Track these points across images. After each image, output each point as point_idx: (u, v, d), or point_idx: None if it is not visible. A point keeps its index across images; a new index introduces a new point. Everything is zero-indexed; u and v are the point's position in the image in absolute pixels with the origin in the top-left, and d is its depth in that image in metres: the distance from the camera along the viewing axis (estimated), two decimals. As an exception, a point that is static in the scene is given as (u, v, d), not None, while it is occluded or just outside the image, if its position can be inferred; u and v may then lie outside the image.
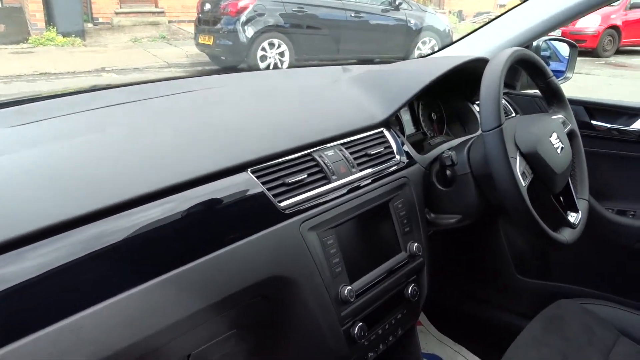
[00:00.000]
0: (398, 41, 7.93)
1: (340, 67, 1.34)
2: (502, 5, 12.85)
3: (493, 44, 1.38)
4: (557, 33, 1.51)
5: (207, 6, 7.38)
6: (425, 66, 1.23)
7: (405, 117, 1.23)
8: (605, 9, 9.83)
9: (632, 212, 1.37)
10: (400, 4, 7.87)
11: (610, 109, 1.38)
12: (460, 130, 1.33)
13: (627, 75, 8.35)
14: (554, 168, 0.96)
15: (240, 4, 6.89)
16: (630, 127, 1.34)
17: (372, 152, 0.98)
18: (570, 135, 1.09)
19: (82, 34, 8.74)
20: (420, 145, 1.21)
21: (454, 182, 1.02)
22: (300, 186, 0.83)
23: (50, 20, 8.52)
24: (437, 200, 1.06)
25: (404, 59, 1.43)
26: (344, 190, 0.89)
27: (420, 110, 1.27)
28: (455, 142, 1.18)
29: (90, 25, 9.56)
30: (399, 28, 7.94)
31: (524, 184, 0.90)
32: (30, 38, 8.38)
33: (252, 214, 0.76)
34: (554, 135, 1.00)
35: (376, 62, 1.46)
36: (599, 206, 1.35)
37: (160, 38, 9.48)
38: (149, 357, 0.65)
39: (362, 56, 7.48)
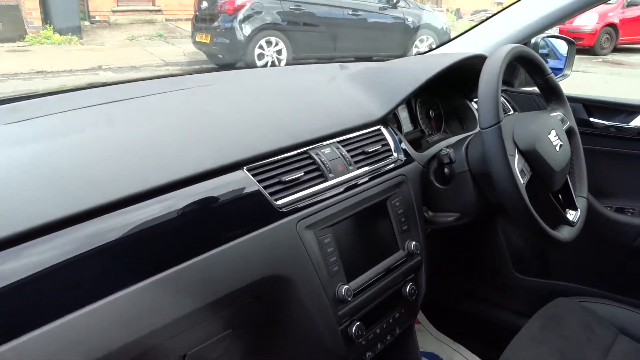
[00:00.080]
0: (396, 39, 7.92)
1: (337, 64, 1.33)
2: (499, 3, 12.84)
3: (491, 42, 1.37)
4: (554, 31, 1.51)
5: (205, 4, 7.36)
6: (423, 63, 1.22)
7: (403, 114, 1.22)
8: (603, 7, 9.85)
9: (630, 210, 1.36)
10: (397, 1, 7.87)
11: (609, 107, 1.37)
12: (459, 127, 1.33)
13: (624, 73, 8.36)
14: (553, 166, 0.96)
15: (238, 2, 6.88)
16: (629, 124, 1.33)
17: (370, 150, 0.97)
18: (569, 132, 1.09)
19: (79, 32, 8.71)
20: (418, 142, 1.20)
21: (452, 180, 1.02)
22: (297, 184, 0.83)
23: (46, 18, 8.49)
24: (435, 199, 1.05)
25: (401, 56, 1.42)
26: (341, 189, 0.89)
27: (418, 108, 1.26)
28: (453, 139, 1.17)
29: (87, 23, 9.53)
30: (397, 26, 7.93)
31: (522, 182, 0.89)
32: (26, 36, 8.35)
33: (248, 212, 0.75)
34: (553, 132, 0.99)
35: (374, 60, 1.45)
36: (597, 204, 1.35)
37: (158, 36, 9.45)
38: (144, 357, 0.65)
39: (359, 54, 7.48)
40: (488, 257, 1.50)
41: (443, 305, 1.62)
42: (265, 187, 0.78)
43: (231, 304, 0.74)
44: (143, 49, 8.44)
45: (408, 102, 1.25)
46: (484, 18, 1.49)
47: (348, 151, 0.94)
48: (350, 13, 7.54)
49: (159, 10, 10.30)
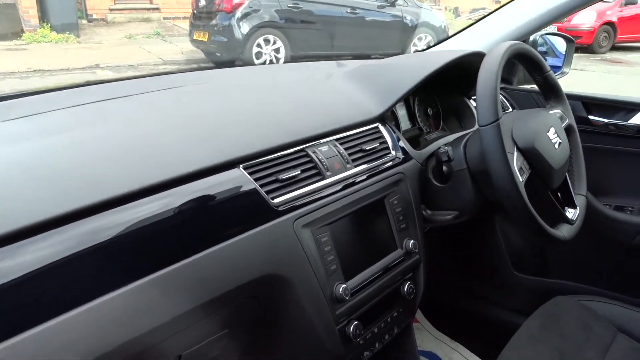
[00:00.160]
0: (394, 37, 7.92)
1: (334, 62, 1.32)
2: (497, 1, 12.85)
3: (489, 39, 1.37)
4: (553, 29, 1.50)
5: (202, 2, 7.34)
6: (421, 60, 1.21)
7: (401, 112, 1.22)
8: (601, 5, 9.86)
9: (630, 208, 1.36)
10: (395, 0, 7.86)
11: (608, 104, 1.37)
12: (457, 125, 1.32)
13: (622, 71, 8.37)
14: (552, 163, 0.95)
15: (236, 0, 6.86)
16: (628, 122, 1.33)
17: (367, 148, 0.96)
18: (568, 130, 1.08)
19: (76, 30, 8.69)
20: (416, 140, 1.20)
21: (451, 178, 1.01)
22: (294, 182, 0.82)
23: (43, 16, 8.46)
24: (433, 197, 1.04)
25: (399, 54, 1.42)
26: (339, 187, 0.88)
27: (416, 106, 1.26)
28: (451, 137, 1.17)
29: (84, 21, 9.51)
30: (395, 24, 7.92)
31: (521, 180, 0.89)
32: (23, 35, 8.33)
33: (244, 211, 0.74)
34: (552, 130, 0.98)
35: (372, 58, 1.44)
36: (596, 202, 1.34)
37: (155, 34, 9.43)
38: (140, 357, 0.64)
39: (357, 52, 7.47)
40: (487, 256, 1.50)
41: (442, 304, 1.62)
42: (261, 186, 0.77)
43: (228, 303, 0.73)
44: (141, 47, 8.42)
45: (406, 99, 1.24)
46: (482, 16, 1.49)
47: (346, 149, 0.93)
48: (348, 11, 7.53)
49: (157, 9, 10.28)
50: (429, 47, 1.61)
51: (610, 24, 10.01)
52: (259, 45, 6.95)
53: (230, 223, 0.72)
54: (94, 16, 9.77)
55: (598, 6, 9.78)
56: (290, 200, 0.80)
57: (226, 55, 7.11)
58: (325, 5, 7.39)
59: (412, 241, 0.98)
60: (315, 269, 0.81)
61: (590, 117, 1.38)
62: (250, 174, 0.77)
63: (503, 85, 1.43)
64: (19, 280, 0.53)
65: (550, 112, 1.06)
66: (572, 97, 1.33)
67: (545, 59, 1.45)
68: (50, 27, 8.41)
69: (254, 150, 0.79)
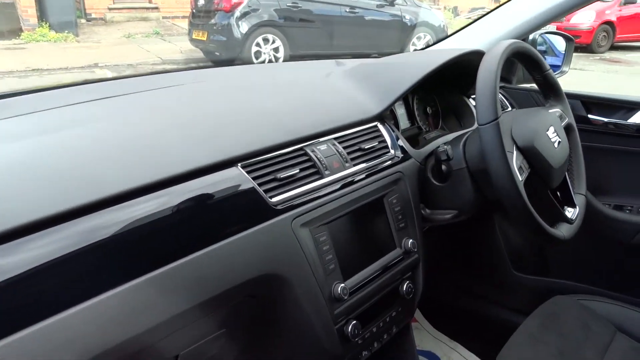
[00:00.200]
0: (393, 37, 7.92)
1: (333, 60, 1.32)
2: (497, 0, 12.85)
3: (488, 37, 1.36)
4: (552, 28, 1.50)
5: (201, 1, 7.34)
6: (420, 59, 1.21)
7: (400, 111, 1.21)
8: (600, 5, 9.86)
9: (629, 207, 1.36)
10: (395, -1, 7.87)
11: (607, 103, 1.37)
12: (456, 124, 1.32)
13: (621, 70, 8.37)
14: (551, 162, 0.95)
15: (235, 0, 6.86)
16: (628, 121, 1.33)
17: (366, 147, 0.96)
18: (568, 129, 1.08)
19: (75, 29, 8.67)
20: (415, 139, 1.19)
21: (450, 177, 1.01)
22: (292, 181, 0.81)
23: (42, 15, 8.44)
24: (432, 196, 1.04)
25: (398, 54, 1.41)
26: (337, 186, 0.87)
27: (415, 104, 1.25)
28: (450, 136, 1.16)
29: (83, 20, 9.49)
30: (394, 24, 7.92)
31: (520, 179, 0.88)
32: (22, 34, 8.31)
33: (242, 210, 0.74)
34: (551, 129, 0.98)
35: (371, 58, 1.44)
36: (595, 201, 1.34)
37: (154, 34, 9.41)
38: (136, 357, 0.64)
39: (357, 52, 7.46)
40: (486, 255, 1.50)
41: (441, 303, 1.62)
42: (259, 184, 0.76)
43: (226, 303, 0.73)
44: (140, 47, 8.41)
45: (405, 98, 1.24)
46: (481, 15, 1.48)
47: (344, 148, 0.93)
48: (347, 10, 7.53)
49: (156, 8, 10.26)
50: (428, 46, 1.61)
51: (609, 23, 10.01)
52: (258, 45, 6.95)
53: (228, 222, 0.72)
54: (93, 15, 9.75)
55: (597, 5, 9.78)
56: (288, 199, 0.79)
57: (225, 55, 7.11)
58: (324, 5, 7.39)
59: (411, 240, 0.98)
60: (314, 268, 0.80)
61: (590, 116, 1.38)
62: (248, 172, 0.76)
63: (502, 84, 1.43)
64: (15, 278, 0.53)
65: (550, 111, 1.05)
66: (572, 96, 1.33)
67: (545, 58, 1.45)
68: (49, 26, 8.39)
69: (252, 149, 0.79)
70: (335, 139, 0.93)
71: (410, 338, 1.16)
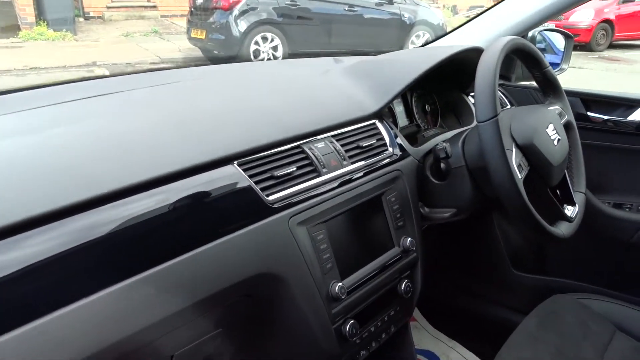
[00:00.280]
0: (392, 35, 7.91)
1: (331, 58, 1.31)
2: (495, -1, 12.83)
3: (487, 35, 1.35)
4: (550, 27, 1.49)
5: (200, 0, 7.32)
6: (419, 56, 1.20)
7: (399, 108, 1.21)
8: (599, 3, 9.86)
9: (628, 205, 1.35)
10: (393, -3, 7.86)
11: (607, 101, 1.36)
12: (455, 122, 1.31)
13: (620, 69, 8.37)
14: (551, 160, 0.94)
15: (233, -2, 6.85)
16: (627, 118, 1.32)
17: (364, 145, 0.95)
18: (567, 126, 1.07)
19: (73, 28, 8.65)
20: (413, 137, 1.19)
21: (449, 175, 1.00)
22: (289, 179, 0.81)
23: (40, 14, 8.42)
24: (431, 194, 1.03)
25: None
26: (335, 184, 0.87)
27: (413, 102, 1.25)
28: (449, 134, 1.16)
29: (81, 19, 9.47)
30: (393, 22, 7.92)
31: (520, 177, 0.88)
32: (20, 32, 8.29)
33: (238, 208, 0.73)
34: (551, 126, 0.97)
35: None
36: (595, 199, 1.33)
37: (153, 32, 9.39)
38: (131, 357, 0.63)
39: (355, 50, 7.45)
40: (485, 254, 1.49)
41: (439, 302, 1.61)
42: (256, 182, 0.76)
43: (222, 302, 0.72)
44: (138, 45, 8.39)
45: (404, 96, 1.23)
46: (480, 12, 1.47)
47: (342, 146, 0.92)
48: (346, 9, 7.52)
49: (154, 6, 10.25)
50: (426, 44, 1.60)
51: (608, 21, 10.00)
52: (256, 43, 6.94)
53: (224, 220, 0.71)
54: (91, 14, 9.73)
55: (596, 4, 9.78)
56: (285, 198, 0.78)
57: (224, 53, 7.10)
58: (323, 3, 7.38)
59: (409, 239, 0.97)
60: (311, 267, 0.79)
61: (589, 113, 1.37)
62: (244, 170, 0.75)
63: (501, 82, 1.42)
64: (8, 277, 0.52)
65: (549, 108, 1.05)
66: (571, 94, 1.32)
67: (544, 56, 1.44)
68: (46, 24, 8.37)
69: (248, 147, 0.78)
70: (332, 136, 0.92)
71: (408, 337, 1.15)
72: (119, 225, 0.60)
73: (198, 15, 7.37)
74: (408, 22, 7.99)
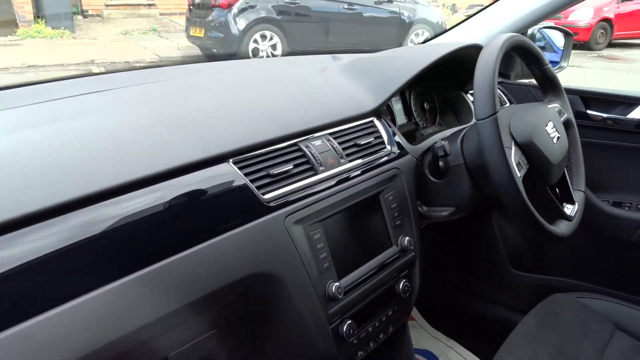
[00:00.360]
0: (391, 33, 7.90)
1: (329, 55, 1.30)
2: (495, -2, 12.82)
3: (486, 32, 1.35)
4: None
5: (198, -2, 7.31)
6: (418, 53, 1.19)
7: (397, 106, 1.20)
8: (598, 2, 9.85)
9: (628, 204, 1.34)
10: (393, -4, 7.85)
11: (607, 99, 1.35)
12: (454, 120, 1.30)
13: (619, 68, 8.36)
14: (550, 158, 0.94)
15: (232, -4, 6.83)
16: (627, 116, 1.31)
17: (362, 142, 0.94)
18: (567, 124, 1.06)
19: (71, 26, 8.63)
20: (412, 135, 1.18)
21: (447, 174, 0.99)
22: (286, 177, 0.80)
23: (38, 12, 8.40)
24: (429, 192, 1.03)
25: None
26: (332, 182, 0.86)
27: (412, 100, 1.24)
28: (448, 132, 1.15)
29: (79, 17, 9.45)
30: (392, 20, 7.91)
31: (519, 175, 0.87)
32: (18, 30, 8.26)
33: (234, 207, 0.72)
34: (550, 124, 0.97)
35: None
36: (594, 198, 1.33)
37: (152, 30, 9.37)
38: (124, 358, 0.62)
39: (354, 48, 7.44)
40: (484, 253, 1.48)
41: (438, 301, 1.61)
42: (252, 181, 0.75)
43: (217, 302, 0.71)
44: (137, 44, 8.37)
45: (402, 94, 1.22)
46: (479, 9, 1.47)
47: (339, 143, 0.91)
48: (345, 7, 7.51)
49: (153, 5, 10.23)
50: (425, 42, 1.59)
51: (607, 20, 10.00)
52: (255, 41, 6.92)
53: (219, 219, 0.70)
54: (90, 12, 9.71)
55: (595, 2, 9.77)
56: (281, 196, 0.78)
57: (223, 51, 7.08)
58: (322, 1, 7.37)
59: (407, 238, 0.96)
60: (308, 267, 0.79)
61: (589, 111, 1.36)
62: (240, 168, 0.75)
63: (500, 80, 1.42)
64: (1, 275, 0.51)
65: (549, 106, 1.04)
66: (570, 92, 1.31)
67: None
68: (45, 22, 8.34)
69: (244, 144, 0.77)
70: (330, 134, 0.91)
71: (406, 337, 1.15)
72: (111, 224, 0.59)
73: (197, 13, 7.35)
74: (407, 21, 7.98)
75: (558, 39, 1.49)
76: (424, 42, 1.60)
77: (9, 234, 0.53)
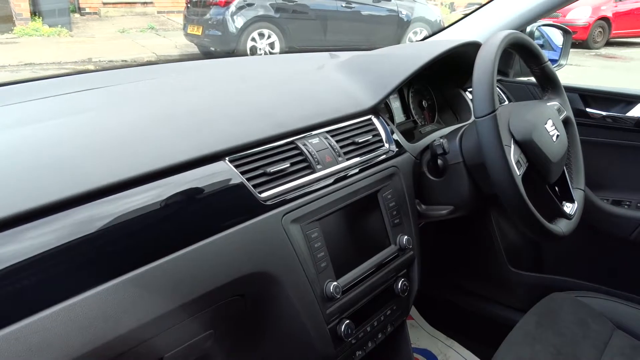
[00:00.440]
0: (389, 32, 7.90)
1: (327, 53, 1.29)
2: (493, -4, 12.81)
3: (485, 29, 1.34)
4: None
5: (196, -4, 7.29)
6: (416, 51, 1.18)
7: (395, 104, 1.19)
8: (596, 1, 9.86)
9: (627, 203, 1.34)
10: (391, -6, 7.84)
11: (606, 97, 1.34)
12: (452, 118, 1.30)
13: (617, 66, 8.37)
14: (550, 156, 0.93)
15: (230, -6, 6.82)
16: (626, 114, 1.31)
17: (360, 141, 0.94)
18: (566, 122, 1.06)
19: (68, 24, 8.60)
20: (410, 133, 1.17)
21: (446, 172, 0.99)
22: (283, 176, 0.79)
23: (35, 10, 8.37)
24: (428, 191, 1.02)
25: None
26: (330, 180, 0.85)
27: (410, 97, 1.23)
28: (446, 130, 1.14)
29: (77, 15, 9.43)
30: (390, 19, 7.90)
31: (518, 173, 0.86)
32: (14, 28, 8.23)
33: (230, 205, 0.72)
34: (550, 122, 0.96)
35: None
36: (594, 196, 1.32)
37: (149, 29, 9.35)
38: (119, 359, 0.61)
39: (352, 46, 7.43)
40: (483, 251, 1.48)
41: (436, 300, 1.60)
42: (248, 179, 0.74)
43: (213, 302, 0.71)
44: (134, 42, 8.35)
45: (400, 91, 1.21)
46: (478, 7, 1.46)
47: (337, 141, 0.90)
48: (343, 5, 7.50)
49: (151, 3, 10.20)
50: (424, 39, 1.58)
51: (605, 19, 10.00)
52: (253, 39, 6.91)
53: (215, 218, 0.69)
54: (87, 10, 9.69)
55: (593, 1, 9.78)
56: (278, 195, 0.77)
57: (220, 49, 7.07)
58: (320, -1, 7.36)
59: (406, 237, 0.96)
60: (305, 266, 0.78)
61: (588, 109, 1.36)
62: (236, 167, 0.74)
63: (499, 78, 1.41)
64: None
65: (548, 104, 1.03)
66: (570, 90, 1.31)
67: (542, 52, 1.43)
68: (42, 20, 8.31)
69: (240, 142, 0.76)
70: (327, 132, 0.90)
71: (405, 337, 1.14)
72: (105, 223, 0.59)
73: (195, 11, 7.34)
74: (405, 19, 7.97)
75: (557, 37, 1.48)
76: (423, 39, 1.59)
77: (2, 233, 0.52)
